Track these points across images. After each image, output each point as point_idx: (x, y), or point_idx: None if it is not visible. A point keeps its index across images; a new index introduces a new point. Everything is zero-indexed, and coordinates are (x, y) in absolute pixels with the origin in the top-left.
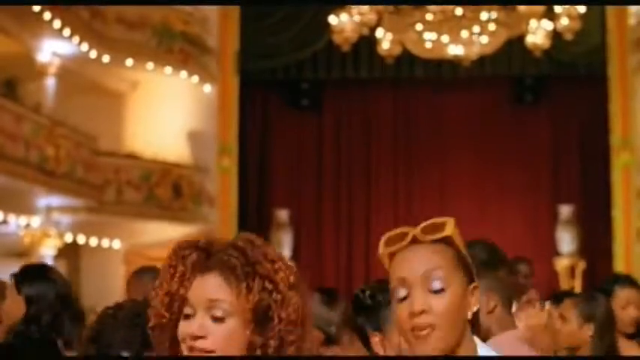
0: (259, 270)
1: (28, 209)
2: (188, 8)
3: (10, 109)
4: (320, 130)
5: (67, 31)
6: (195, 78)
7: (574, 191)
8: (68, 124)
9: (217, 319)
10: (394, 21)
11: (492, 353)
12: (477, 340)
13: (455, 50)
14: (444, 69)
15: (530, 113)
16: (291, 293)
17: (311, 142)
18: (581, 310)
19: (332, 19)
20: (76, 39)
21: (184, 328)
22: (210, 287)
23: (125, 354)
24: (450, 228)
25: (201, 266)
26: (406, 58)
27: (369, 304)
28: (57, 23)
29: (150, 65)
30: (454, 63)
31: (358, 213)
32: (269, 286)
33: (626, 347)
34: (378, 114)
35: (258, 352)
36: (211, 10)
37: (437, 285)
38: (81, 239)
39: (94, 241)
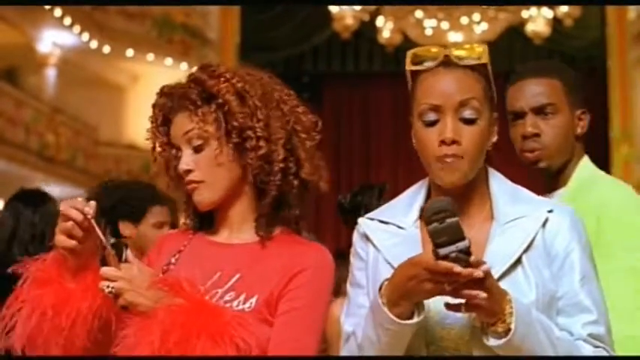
0: (208, 90)
1: None
2: None
3: (10, 93)
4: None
5: (67, 20)
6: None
7: None
8: (68, 112)
9: (197, 149)
10: (394, 8)
11: (503, 180)
12: (489, 169)
13: (454, 37)
14: None
15: None
16: (235, 98)
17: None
18: None
19: (332, 7)
20: (77, 28)
21: (178, 168)
22: (182, 123)
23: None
24: (486, 54)
25: (170, 110)
26: (406, 51)
27: (349, 208)
28: (57, 12)
29: (150, 56)
30: None
31: None
32: (219, 101)
33: None
34: (378, 107)
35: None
36: None
37: (471, 114)
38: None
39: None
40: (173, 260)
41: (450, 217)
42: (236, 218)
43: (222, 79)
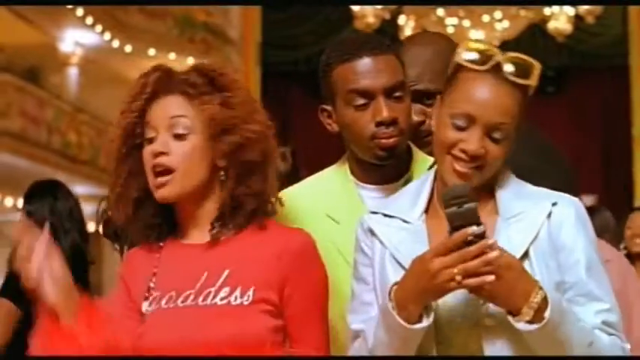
0: (218, 84)
1: None
2: None
3: (33, 93)
4: None
5: (89, 20)
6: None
7: (596, 182)
8: (90, 111)
9: (178, 136)
10: (415, 6)
11: (508, 176)
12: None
13: (476, 35)
14: None
15: (552, 105)
16: (246, 97)
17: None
18: None
19: (354, 6)
20: (99, 28)
21: (148, 149)
22: (172, 106)
23: None
24: (536, 77)
25: (163, 88)
26: None
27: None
28: (79, 12)
29: (172, 55)
30: None
31: None
32: (227, 94)
33: None
34: None
35: (221, 163)
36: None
37: (499, 136)
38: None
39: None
40: (152, 285)
41: (468, 203)
42: (204, 217)
43: (235, 75)
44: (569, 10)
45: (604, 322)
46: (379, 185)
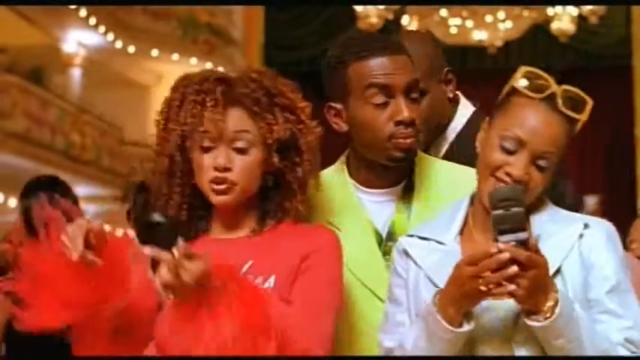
0: (280, 102)
1: None
2: None
3: (36, 94)
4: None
5: (92, 20)
6: (221, 69)
7: (599, 182)
8: (93, 112)
9: (240, 151)
10: (419, 6)
11: (543, 201)
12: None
13: (479, 35)
14: (468, 59)
15: None
16: (311, 122)
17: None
18: None
19: (357, 6)
20: (102, 29)
21: (208, 159)
22: (235, 120)
23: None
24: (587, 113)
25: (226, 99)
26: None
27: None
28: (83, 12)
29: (175, 56)
30: (479, 53)
31: None
32: (291, 116)
33: None
34: None
35: (270, 174)
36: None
37: (545, 164)
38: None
39: (119, 233)
40: None
41: (516, 207)
42: (237, 215)
43: (298, 95)
44: (573, 11)
45: (627, 340)
46: (380, 189)
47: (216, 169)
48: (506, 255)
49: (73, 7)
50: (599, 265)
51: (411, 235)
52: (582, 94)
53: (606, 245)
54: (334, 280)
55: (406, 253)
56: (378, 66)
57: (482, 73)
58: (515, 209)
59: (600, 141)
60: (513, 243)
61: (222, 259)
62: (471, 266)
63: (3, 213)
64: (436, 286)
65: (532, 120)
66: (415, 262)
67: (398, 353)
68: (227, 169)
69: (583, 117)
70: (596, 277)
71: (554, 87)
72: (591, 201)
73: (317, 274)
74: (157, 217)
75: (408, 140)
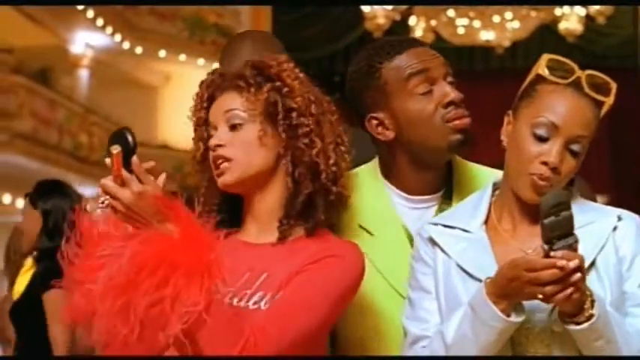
0: (266, 72)
1: None
2: None
3: (44, 94)
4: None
5: (100, 21)
6: None
7: (605, 183)
8: (101, 112)
9: (234, 127)
10: (426, 7)
11: (574, 193)
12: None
13: (487, 36)
14: (476, 60)
15: None
16: (297, 84)
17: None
18: None
19: (364, 7)
20: (109, 29)
21: (209, 143)
22: (226, 101)
23: None
24: (613, 95)
25: (218, 88)
26: (438, 50)
27: None
28: (90, 13)
29: (182, 57)
30: (486, 54)
31: None
32: (277, 83)
33: None
34: None
35: (282, 151)
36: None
37: (577, 149)
38: None
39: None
40: None
41: (565, 210)
42: (265, 213)
43: (284, 64)
44: (580, 11)
45: None
46: (420, 196)
47: (212, 150)
48: (570, 265)
49: (80, 8)
50: (632, 258)
51: (435, 224)
52: (606, 77)
53: (637, 238)
54: (329, 293)
55: (432, 241)
56: (411, 56)
57: (489, 73)
58: (564, 213)
59: (607, 141)
60: (564, 250)
61: (241, 265)
62: (530, 272)
63: (11, 214)
64: (470, 275)
65: (562, 105)
66: (443, 250)
67: (435, 342)
68: (219, 146)
69: (609, 100)
70: (628, 271)
71: (579, 72)
72: (598, 201)
73: (313, 277)
74: None
75: (464, 120)
